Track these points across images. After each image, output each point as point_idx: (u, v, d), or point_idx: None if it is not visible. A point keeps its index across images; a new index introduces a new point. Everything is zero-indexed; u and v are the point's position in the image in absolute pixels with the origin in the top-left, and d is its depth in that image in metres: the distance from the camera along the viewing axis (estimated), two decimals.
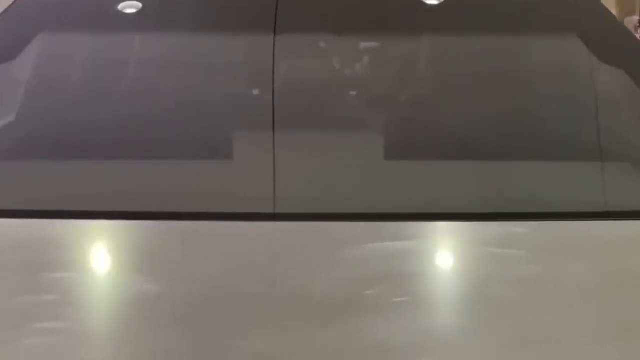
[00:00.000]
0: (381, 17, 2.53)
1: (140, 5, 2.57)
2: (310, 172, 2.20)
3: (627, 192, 2.20)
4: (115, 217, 2.03)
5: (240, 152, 2.27)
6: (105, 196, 2.13)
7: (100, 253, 2.01)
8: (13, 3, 2.62)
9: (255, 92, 2.49)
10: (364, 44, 2.60)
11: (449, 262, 1.98)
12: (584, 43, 2.49)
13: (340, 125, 2.37)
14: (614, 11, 2.67)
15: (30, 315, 1.72)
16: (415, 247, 1.99)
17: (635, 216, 2.07)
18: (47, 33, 2.55)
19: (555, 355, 1.61)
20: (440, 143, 2.28)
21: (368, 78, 2.64)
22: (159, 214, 2.05)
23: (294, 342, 1.64)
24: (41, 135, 2.36)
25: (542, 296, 1.79)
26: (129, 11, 2.56)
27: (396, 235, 2.00)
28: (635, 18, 6.69)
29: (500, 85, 2.45)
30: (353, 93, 2.60)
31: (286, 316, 1.70)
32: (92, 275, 1.92)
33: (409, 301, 1.78)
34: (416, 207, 2.11)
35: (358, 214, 2.05)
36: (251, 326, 1.67)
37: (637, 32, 5.82)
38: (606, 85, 2.44)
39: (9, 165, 2.31)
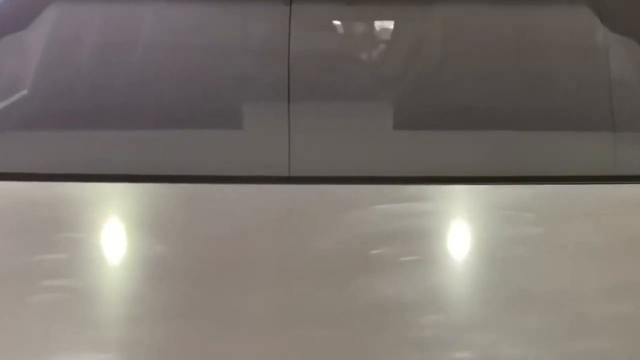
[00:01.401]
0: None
1: None
2: (322, 142, 2.21)
3: (638, 160, 2.20)
4: (128, 180, 2.05)
5: (255, 121, 2.28)
6: (119, 164, 2.14)
7: (110, 214, 2.02)
8: None
9: (270, 62, 2.49)
10: (377, 15, 2.59)
11: (457, 222, 1.99)
12: (596, 15, 2.49)
13: (353, 96, 2.38)
14: None
15: (40, 272, 1.74)
16: (424, 209, 2.00)
17: None
18: (59, 2, 2.56)
19: (560, 311, 1.63)
20: (451, 113, 2.29)
21: (381, 48, 2.64)
22: (171, 177, 2.05)
23: (302, 297, 1.65)
24: (55, 105, 2.37)
25: (549, 255, 1.80)
26: None
27: (406, 197, 2.01)
28: None
29: (512, 57, 2.45)
30: (366, 63, 2.60)
31: (295, 273, 1.72)
32: (102, 235, 1.93)
33: (416, 260, 1.79)
34: (426, 174, 2.12)
35: (369, 177, 2.06)
36: (260, 282, 1.69)
37: None
38: (618, 56, 2.44)
39: (23, 134, 2.32)
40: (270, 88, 2.34)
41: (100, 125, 2.28)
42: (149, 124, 2.29)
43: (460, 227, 1.96)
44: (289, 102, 2.25)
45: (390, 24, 2.62)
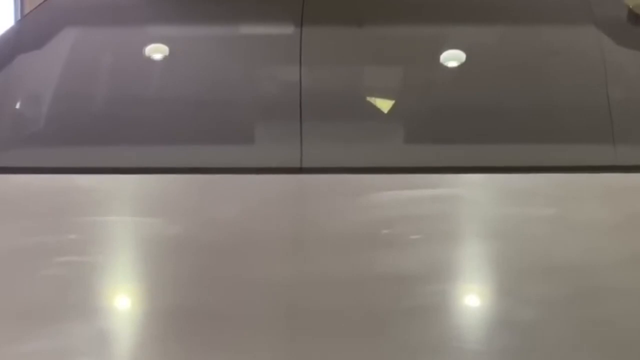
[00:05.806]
0: (405, 10, 2.60)
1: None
2: (334, 157, 2.23)
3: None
4: (143, 172, 2.08)
5: (267, 141, 2.32)
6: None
7: (126, 200, 2.04)
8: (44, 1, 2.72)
9: (282, 82, 2.54)
10: (387, 36, 2.64)
11: (471, 205, 2.00)
12: (598, 30, 2.55)
13: (364, 115, 2.43)
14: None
15: (54, 250, 1.78)
16: (438, 194, 2.02)
17: None
18: (73, 29, 2.63)
19: (573, 281, 1.67)
20: (462, 128, 2.32)
21: (391, 69, 2.69)
22: (185, 169, 2.08)
23: (314, 271, 1.67)
24: (72, 122, 2.41)
25: (561, 232, 1.84)
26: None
27: (420, 185, 2.04)
28: None
29: (518, 74, 2.49)
30: (375, 84, 2.65)
31: (307, 250, 1.75)
32: (118, 218, 1.95)
33: (425, 238, 1.82)
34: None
35: (381, 167, 2.09)
36: (272, 259, 1.71)
37: None
38: (620, 67, 2.49)
39: (41, 150, 2.35)
40: (282, 107, 2.38)
41: (116, 142, 2.31)
42: (163, 140, 2.31)
43: (475, 209, 1.98)
44: (300, 123, 2.28)
45: (400, 45, 2.66)
